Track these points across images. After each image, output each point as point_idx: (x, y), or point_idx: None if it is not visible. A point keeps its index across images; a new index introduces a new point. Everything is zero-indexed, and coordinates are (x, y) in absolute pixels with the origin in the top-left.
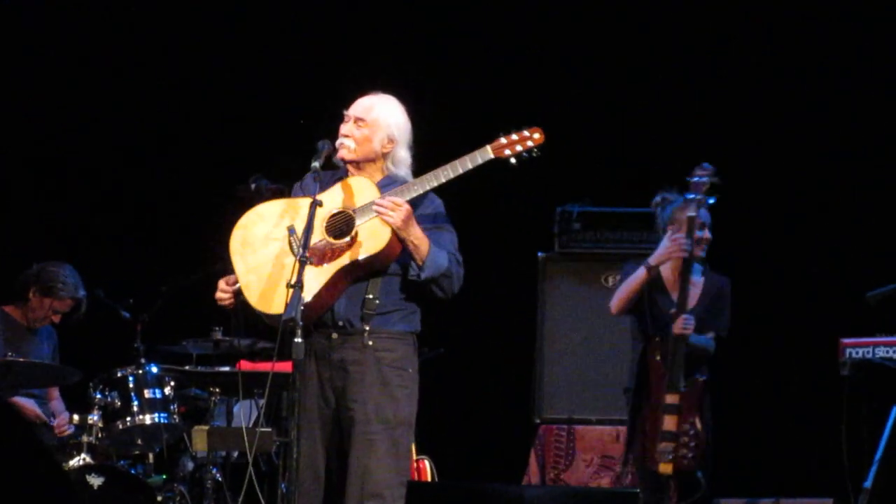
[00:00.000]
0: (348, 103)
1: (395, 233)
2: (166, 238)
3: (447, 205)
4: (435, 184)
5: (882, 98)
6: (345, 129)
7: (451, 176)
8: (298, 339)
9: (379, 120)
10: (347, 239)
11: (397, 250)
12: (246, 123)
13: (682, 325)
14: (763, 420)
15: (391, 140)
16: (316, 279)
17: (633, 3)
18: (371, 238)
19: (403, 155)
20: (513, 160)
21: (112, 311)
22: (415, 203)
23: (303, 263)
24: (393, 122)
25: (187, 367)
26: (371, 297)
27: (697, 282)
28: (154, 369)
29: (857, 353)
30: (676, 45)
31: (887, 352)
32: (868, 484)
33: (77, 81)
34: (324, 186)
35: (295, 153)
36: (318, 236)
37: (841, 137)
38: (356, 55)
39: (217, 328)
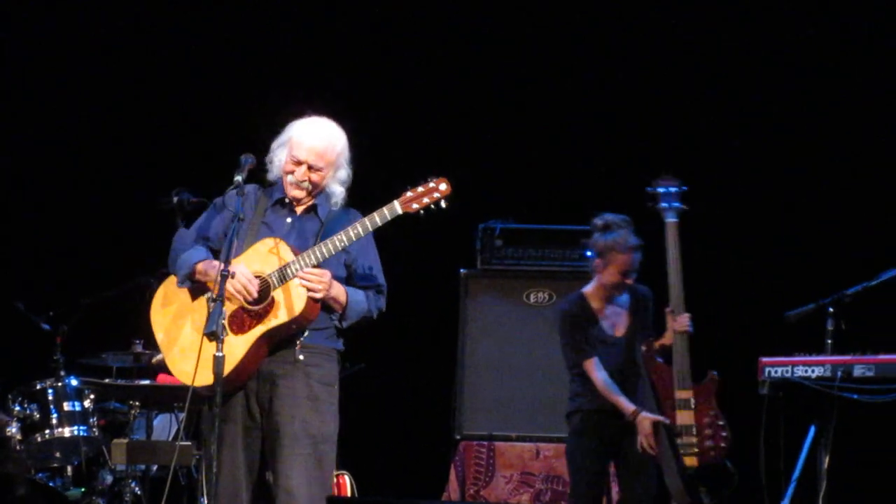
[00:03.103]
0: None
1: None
2: (87, 250)
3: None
4: (346, 243)
5: (795, 121)
6: (298, 174)
7: (362, 234)
8: (220, 354)
9: (331, 160)
10: (264, 304)
11: (316, 310)
12: (169, 135)
13: (686, 322)
14: None
15: (338, 168)
16: (237, 349)
17: (554, 24)
18: (287, 303)
19: (344, 175)
20: (420, 213)
21: (32, 323)
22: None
23: (224, 277)
24: (340, 153)
25: (107, 380)
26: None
27: (624, 303)
28: (74, 382)
29: (776, 371)
30: (598, 66)
31: (806, 371)
32: (785, 503)
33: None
34: (248, 201)
35: (217, 166)
36: (236, 304)
37: (759, 160)
38: (282, 70)
39: (137, 341)
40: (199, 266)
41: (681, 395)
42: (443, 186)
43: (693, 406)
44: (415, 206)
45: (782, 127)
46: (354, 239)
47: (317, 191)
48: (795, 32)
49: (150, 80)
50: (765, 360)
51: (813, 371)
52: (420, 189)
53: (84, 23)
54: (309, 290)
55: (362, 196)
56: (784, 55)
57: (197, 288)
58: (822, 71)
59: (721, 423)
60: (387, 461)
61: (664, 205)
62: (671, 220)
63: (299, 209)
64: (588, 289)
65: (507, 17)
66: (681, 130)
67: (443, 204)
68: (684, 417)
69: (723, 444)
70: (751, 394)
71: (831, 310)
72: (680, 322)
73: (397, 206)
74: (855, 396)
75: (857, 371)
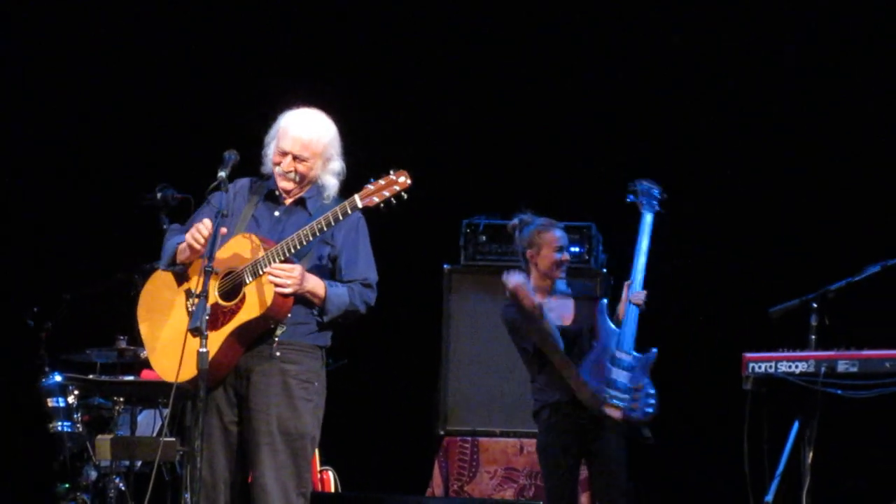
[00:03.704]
0: (267, 121)
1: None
2: (70, 246)
3: None
4: (311, 238)
5: (777, 118)
6: (285, 165)
7: (325, 229)
8: (203, 350)
9: (317, 150)
10: (237, 300)
11: (288, 305)
12: (152, 131)
13: (642, 298)
14: (665, 434)
15: (327, 160)
16: (211, 345)
17: (542, 21)
18: (257, 298)
19: (336, 165)
20: (381, 206)
21: (15, 320)
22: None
23: (208, 274)
24: (329, 144)
25: (91, 376)
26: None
27: (566, 291)
28: (57, 378)
29: (759, 367)
30: (584, 62)
31: (789, 367)
32: (769, 498)
33: None
34: (240, 195)
35: (203, 162)
36: (211, 300)
37: (744, 154)
38: (271, 64)
39: (121, 337)
40: (180, 246)
41: (620, 354)
42: (402, 179)
43: (632, 371)
44: (375, 199)
45: (765, 122)
46: (318, 234)
47: (306, 182)
48: (775, 28)
49: (135, 76)
50: (748, 355)
51: (796, 367)
52: (381, 182)
53: (75, 18)
54: (277, 284)
55: (344, 192)
56: (766, 51)
57: (181, 279)
58: (806, 67)
59: (651, 392)
60: (371, 457)
61: (643, 200)
62: (647, 213)
63: (288, 201)
64: None
65: (494, 13)
66: (663, 127)
67: (404, 196)
68: (619, 374)
69: (647, 410)
70: (734, 389)
71: (815, 305)
72: (637, 296)
73: (357, 200)
74: (839, 392)
75: (841, 367)
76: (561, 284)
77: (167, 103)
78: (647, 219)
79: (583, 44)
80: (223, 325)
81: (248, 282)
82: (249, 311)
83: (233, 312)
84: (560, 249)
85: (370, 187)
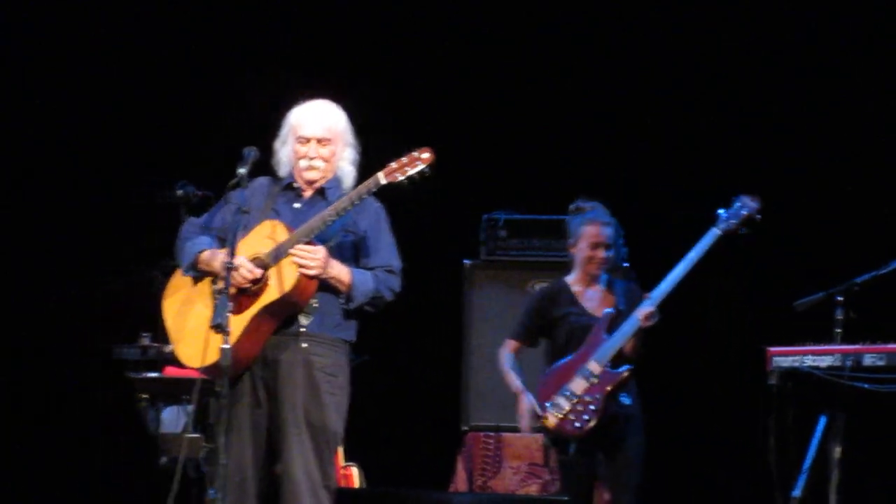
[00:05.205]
0: (279, 119)
1: (304, 273)
2: (93, 244)
3: None
4: (335, 217)
5: (804, 109)
6: (310, 151)
7: (349, 207)
8: (226, 346)
9: (339, 131)
10: (260, 284)
11: (312, 287)
12: (174, 128)
13: (651, 320)
14: (690, 429)
15: (346, 144)
16: (234, 329)
17: (559, 13)
18: (278, 281)
19: (352, 153)
20: (405, 182)
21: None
22: (349, 214)
23: (229, 270)
24: (346, 128)
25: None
26: (312, 299)
27: (604, 285)
28: None
29: (784, 361)
30: (604, 56)
31: (815, 361)
32: (796, 493)
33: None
34: (259, 193)
35: (223, 159)
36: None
37: (770, 145)
38: (288, 61)
39: (145, 334)
40: (202, 255)
41: (592, 366)
42: (426, 155)
43: (590, 382)
44: (398, 176)
45: (792, 113)
46: (342, 213)
47: (329, 168)
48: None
49: (157, 73)
50: (773, 350)
51: (822, 361)
52: (404, 160)
53: (86, 14)
54: (300, 266)
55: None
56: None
57: (201, 277)
58: (843, 61)
59: (593, 409)
60: (394, 453)
61: (723, 213)
62: (715, 228)
63: (308, 193)
64: (568, 276)
65: (514, 5)
66: (682, 119)
67: (426, 173)
68: (577, 385)
69: (576, 425)
70: (759, 384)
71: (840, 298)
72: (645, 313)
73: (381, 177)
74: (865, 386)
75: (867, 360)
76: (611, 279)
77: (188, 100)
78: (711, 233)
79: (605, 39)
80: (246, 308)
81: (271, 265)
82: (271, 293)
83: (255, 296)
84: (595, 246)
85: (393, 165)
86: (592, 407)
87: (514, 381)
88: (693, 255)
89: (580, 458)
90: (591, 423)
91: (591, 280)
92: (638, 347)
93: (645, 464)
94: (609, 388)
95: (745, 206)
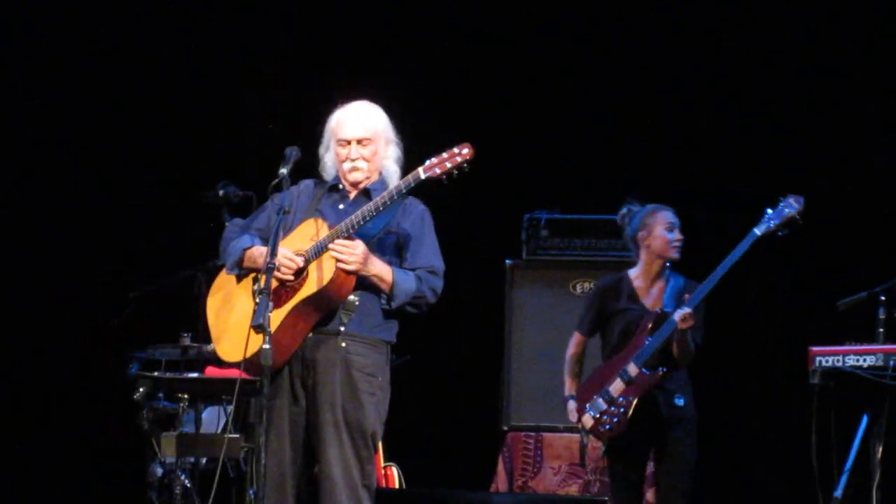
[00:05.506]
0: (321, 122)
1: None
2: (134, 245)
3: None
4: (374, 213)
5: (847, 108)
6: (351, 152)
7: (389, 202)
8: (267, 346)
9: (379, 130)
10: (300, 279)
11: (349, 283)
12: (215, 128)
13: (686, 319)
14: (732, 429)
15: (388, 141)
16: (273, 321)
17: (601, 12)
18: (316, 275)
19: (396, 151)
20: (444, 178)
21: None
22: (393, 216)
23: (270, 270)
24: (386, 126)
25: (156, 373)
26: (352, 298)
27: (665, 280)
28: None
29: (826, 361)
30: (643, 54)
31: (857, 360)
32: (838, 493)
33: (47, 84)
34: (304, 195)
35: (264, 159)
36: (276, 281)
37: (812, 145)
38: (316, 62)
39: (185, 334)
40: (248, 252)
41: (630, 368)
42: (465, 151)
43: (626, 384)
44: (437, 170)
45: (834, 112)
46: (382, 209)
47: (373, 168)
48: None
49: (198, 74)
50: (815, 349)
51: (864, 360)
52: (444, 155)
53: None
54: (338, 260)
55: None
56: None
57: (245, 274)
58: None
59: (623, 411)
60: (435, 453)
61: (768, 213)
62: (756, 231)
63: (353, 195)
64: (631, 270)
65: (555, 4)
66: (725, 117)
67: (466, 168)
68: (616, 386)
69: (608, 428)
70: (801, 384)
71: (883, 298)
72: (682, 315)
73: (420, 172)
74: None
75: None
76: (672, 276)
77: (230, 100)
78: (751, 235)
79: (650, 39)
80: (285, 302)
81: (311, 260)
82: (309, 286)
83: (294, 290)
84: (672, 229)
85: (433, 160)
86: (622, 410)
87: (565, 386)
88: (732, 258)
89: (629, 466)
90: (620, 427)
91: (656, 275)
92: (684, 349)
93: (698, 467)
94: (643, 391)
95: (789, 206)
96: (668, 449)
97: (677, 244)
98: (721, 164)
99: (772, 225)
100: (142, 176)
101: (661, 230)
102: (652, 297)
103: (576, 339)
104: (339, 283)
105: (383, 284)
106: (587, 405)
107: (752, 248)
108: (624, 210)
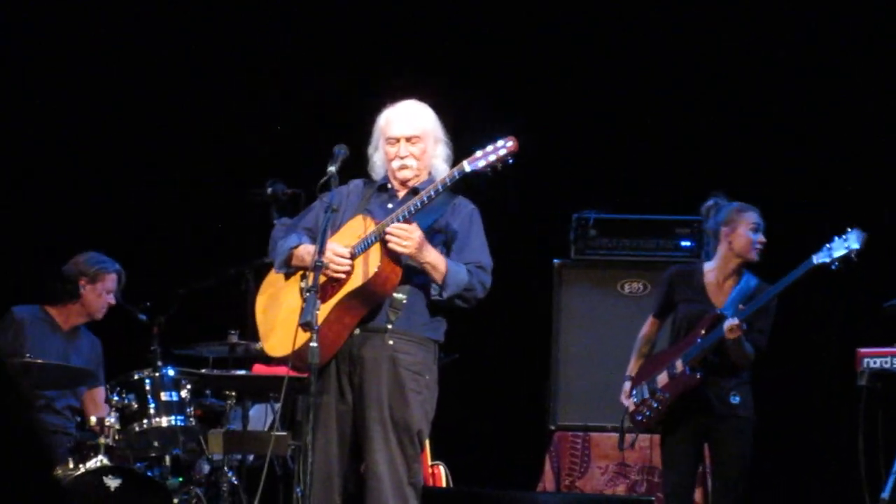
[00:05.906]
0: (368, 122)
1: (388, 260)
2: (183, 242)
3: None
4: (420, 206)
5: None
6: (400, 150)
7: (434, 195)
8: (314, 344)
9: (427, 128)
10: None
11: (395, 277)
12: (263, 126)
13: (734, 332)
14: (780, 430)
15: (437, 140)
16: (319, 316)
17: (651, 11)
18: (361, 269)
19: (445, 150)
20: (489, 170)
21: (129, 315)
22: (441, 214)
23: (318, 269)
24: (435, 124)
25: (203, 371)
26: (400, 296)
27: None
28: (171, 372)
29: (874, 362)
30: (694, 54)
31: None
32: (885, 495)
33: (93, 81)
34: (353, 194)
35: (312, 157)
36: (324, 276)
37: (858, 146)
38: (367, 61)
39: (233, 332)
40: (296, 251)
41: (678, 364)
42: (510, 144)
43: (670, 378)
44: (481, 164)
45: (883, 113)
46: (428, 201)
47: (423, 167)
48: None
49: (247, 72)
50: (863, 350)
51: None
52: (488, 148)
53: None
54: (394, 243)
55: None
56: None
57: (293, 272)
58: None
59: (657, 406)
60: (482, 452)
61: (828, 246)
62: (814, 260)
63: (401, 194)
64: (707, 263)
65: (606, 6)
66: (771, 119)
67: (510, 161)
68: (662, 378)
69: (640, 419)
70: (849, 385)
71: None
72: (730, 324)
73: (465, 166)
74: None
75: None
76: (746, 276)
77: (279, 98)
78: (811, 261)
79: (703, 41)
80: (331, 296)
81: (357, 254)
82: (355, 280)
83: (340, 285)
84: (756, 230)
85: (478, 153)
86: (658, 405)
87: (629, 365)
88: (787, 280)
89: (680, 463)
90: (652, 422)
91: (731, 272)
92: (736, 353)
93: (751, 467)
94: (680, 391)
95: (849, 243)
96: (721, 444)
97: (759, 246)
98: (763, 169)
99: (827, 259)
100: (192, 174)
101: (745, 229)
102: (720, 293)
103: (650, 320)
104: (385, 277)
105: (436, 273)
106: (635, 389)
107: (807, 275)
108: (710, 202)
